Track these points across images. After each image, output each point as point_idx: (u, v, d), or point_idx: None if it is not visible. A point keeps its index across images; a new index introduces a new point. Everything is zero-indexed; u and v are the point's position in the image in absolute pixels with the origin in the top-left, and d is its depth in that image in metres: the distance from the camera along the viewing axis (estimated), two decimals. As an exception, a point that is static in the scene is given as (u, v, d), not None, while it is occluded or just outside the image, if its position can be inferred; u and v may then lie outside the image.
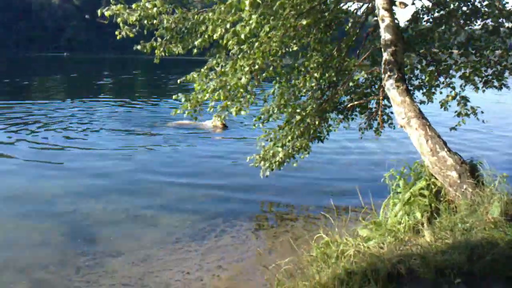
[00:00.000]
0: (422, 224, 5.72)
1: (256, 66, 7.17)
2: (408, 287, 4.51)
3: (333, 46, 8.48)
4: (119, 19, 7.61)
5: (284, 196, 9.68)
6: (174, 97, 7.72)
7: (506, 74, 8.50)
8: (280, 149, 8.53)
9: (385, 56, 7.15)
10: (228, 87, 7.18)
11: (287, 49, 8.15)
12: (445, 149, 6.31)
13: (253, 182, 9.94)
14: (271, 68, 7.46)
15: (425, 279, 4.58)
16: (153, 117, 19.67)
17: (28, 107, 21.26)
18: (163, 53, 8.25)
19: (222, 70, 7.28)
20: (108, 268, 6.49)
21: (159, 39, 8.14)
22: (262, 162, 8.75)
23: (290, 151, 8.60)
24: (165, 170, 11.55)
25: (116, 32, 7.96)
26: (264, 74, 7.64)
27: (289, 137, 8.48)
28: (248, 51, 7.10)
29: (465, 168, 6.15)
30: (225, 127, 17.82)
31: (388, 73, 7.03)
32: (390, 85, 6.98)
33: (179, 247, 7.11)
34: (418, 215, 5.98)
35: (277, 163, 8.61)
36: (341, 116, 9.40)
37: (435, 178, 6.40)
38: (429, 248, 5.01)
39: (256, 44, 6.89)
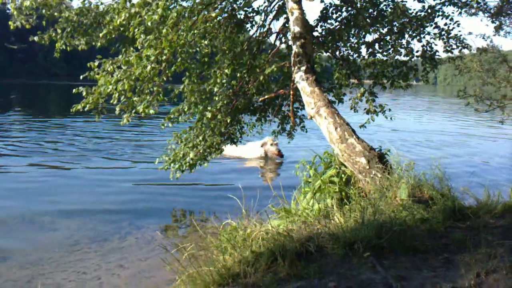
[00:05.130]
0: (332, 206, 5.57)
1: (164, 57, 6.86)
2: (317, 263, 4.27)
3: (244, 45, 8.36)
4: (11, 5, 7.04)
5: (195, 198, 9.30)
6: (74, 90, 7.15)
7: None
8: (190, 149, 8.17)
9: (295, 48, 7.09)
10: (133, 77, 6.77)
11: (198, 49, 7.92)
12: (354, 136, 6.26)
13: (164, 187, 9.51)
14: (179, 60, 7.13)
15: (335, 254, 4.38)
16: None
17: None
18: (63, 47, 7.73)
19: (126, 59, 6.86)
20: (-9, 272, 5.76)
21: (59, 31, 7.61)
22: (172, 164, 8.34)
23: (201, 152, 8.26)
24: (76, 177, 10.86)
25: (10, 22, 7.36)
26: (172, 68, 7.33)
27: (200, 137, 8.17)
28: (156, 41, 6.78)
29: (373, 154, 6.12)
30: (280, 154, 14.06)
31: (298, 65, 6.96)
32: (299, 77, 6.90)
33: (77, 249, 6.53)
34: (329, 201, 5.85)
35: (187, 164, 8.23)
36: (254, 119, 9.24)
37: (345, 167, 6.33)
38: (339, 227, 4.84)
39: (164, 31, 6.58)
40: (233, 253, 4.67)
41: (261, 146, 14.29)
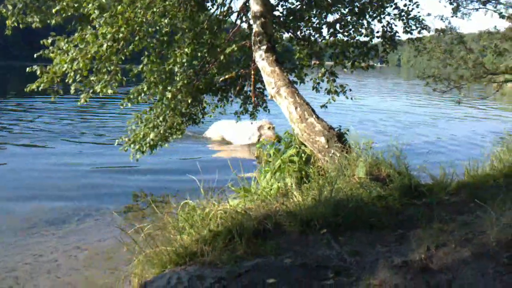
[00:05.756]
0: (292, 185, 5.61)
1: (121, 35, 6.69)
2: (275, 241, 4.29)
3: (204, 23, 8.24)
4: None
5: (157, 179, 9.17)
6: (28, 69, 6.91)
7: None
8: (150, 130, 8.05)
9: (255, 27, 7.05)
10: (89, 55, 6.59)
11: (157, 27, 7.74)
12: (313, 116, 6.29)
13: (124, 169, 9.36)
14: (136, 39, 6.98)
15: (292, 231, 4.42)
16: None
17: None
18: (15, 24, 7.43)
19: (82, 37, 6.66)
20: None
21: (9, 7, 7.30)
22: (132, 145, 8.20)
23: (162, 132, 8.16)
24: (34, 160, 10.63)
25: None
26: (130, 47, 7.18)
27: (161, 118, 8.06)
28: (112, 19, 6.60)
29: (332, 134, 6.17)
30: (277, 140, 11.73)
31: (258, 44, 6.92)
32: (259, 56, 6.88)
33: (34, 232, 6.38)
34: (288, 180, 5.87)
35: (147, 145, 8.11)
36: (216, 99, 9.17)
37: (305, 146, 6.36)
38: (297, 206, 4.87)
39: (119, 8, 6.41)
40: (191, 232, 4.65)
41: (258, 129, 12.94)
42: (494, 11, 7.78)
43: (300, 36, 8.65)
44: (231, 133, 13.53)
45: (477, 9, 8.01)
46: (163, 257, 4.26)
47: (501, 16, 7.76)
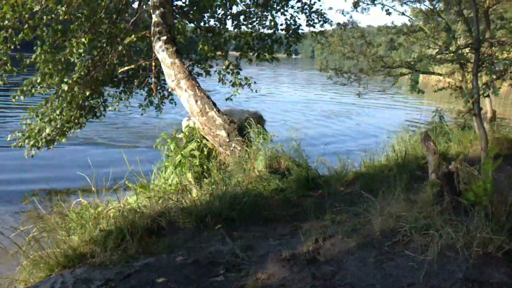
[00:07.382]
0: (191, 181, 5.52)
1: (6, 22, 6.24)
2: (168, 238, 4.20)
3: (102, 12, 7.88)
4: None
5: (54, 176, 8.66)
6: None
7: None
8: (46, 124, 7.61)
9: (154, 18, 6.85)
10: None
11: (53, 16, 7.31)
12: (214, 109, 6.23)
13: (21, 164, 8.77)
14: (26, 27, 6.54)
15: (187, 228, 4.35)
16: None
17: None
18: None
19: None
20: None
21: None
22: (27, 141, 7.71)
23: (59, 126, 7.73)
24: None
25: None
26: (20, 36, 6.74)
27: (58, 111, 7.63)
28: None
29: (233, 127, 6.15)
30: None
31: (158, 35, 6.74)
32: (159, 47, 6.70)
33: None
34: (189, 175, 5.78)
35: (43, 140, 7.66)
36: (119, 91, 8.86)
37: (207, 140, 6.29)
38: (193, 201, 4.80)
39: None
40: (82, 233, 4.43)
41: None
42: (383, 5, 8.07)
43: (204, 27, 8.53)
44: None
45: (374, 4, 8.30)
46: (50, 260, 4.03)
47: (388, 13, 8.11)
